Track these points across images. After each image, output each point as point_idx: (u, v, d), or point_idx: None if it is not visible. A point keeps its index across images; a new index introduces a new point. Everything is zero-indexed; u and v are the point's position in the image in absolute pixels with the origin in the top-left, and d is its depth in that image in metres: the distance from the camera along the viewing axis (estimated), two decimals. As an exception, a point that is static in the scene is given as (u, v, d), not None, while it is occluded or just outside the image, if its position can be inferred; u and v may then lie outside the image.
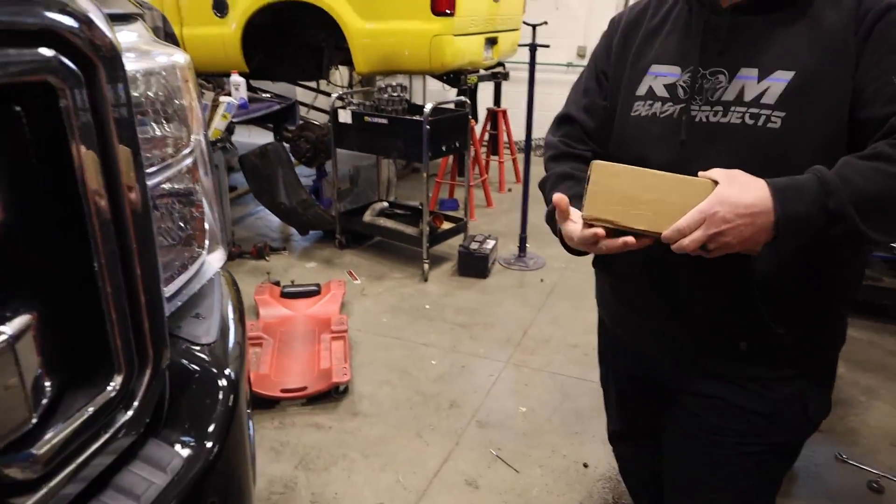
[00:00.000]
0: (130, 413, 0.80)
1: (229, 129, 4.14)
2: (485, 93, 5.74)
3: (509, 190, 5.83)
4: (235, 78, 4.56)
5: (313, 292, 3.62)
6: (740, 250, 0.99)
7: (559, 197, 1.09)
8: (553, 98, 6.98)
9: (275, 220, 4.82)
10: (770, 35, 1.10)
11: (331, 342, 3.15)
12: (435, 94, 6.27)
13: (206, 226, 1.30)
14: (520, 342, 3.32)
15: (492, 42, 4.89)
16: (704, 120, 1.13)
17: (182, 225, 1.27)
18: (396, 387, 2.94)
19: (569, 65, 6.94)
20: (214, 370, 1.03)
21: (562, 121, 1.40)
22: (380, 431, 2.63)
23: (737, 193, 0.97)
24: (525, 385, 2.96)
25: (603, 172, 1.03)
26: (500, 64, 5.38)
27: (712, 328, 1.20)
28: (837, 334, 1.27)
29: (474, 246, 4.00)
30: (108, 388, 0.77)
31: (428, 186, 3.99)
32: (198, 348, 1.06)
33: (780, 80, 1.06)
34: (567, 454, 2.53)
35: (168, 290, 1.12)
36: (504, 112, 5.62)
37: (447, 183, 5.38)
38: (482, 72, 5.06)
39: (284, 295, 3.60)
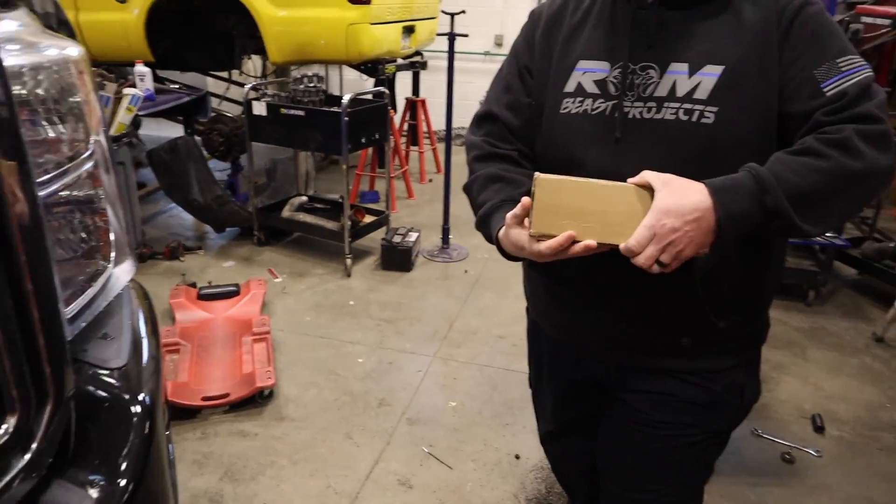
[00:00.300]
0: (28, 456, 0.71)
1: (135, 123, 3.91)
2: (403, 82, 5.68)
3: (430, 180, 5.78)
4: (140, 68, 4.32)
5: (232, 293, 3.48)
6: (691, 254, 0.99)
7: (526, 200, 1.05)
8: (472, 87, 7.01)
9: (188, 217, 4.61)
10: (696, 29, 1.11)
11: (253, 345, 3.03)
12: (352, 84, 6.16)
13: (112, 235, 1.20)
14: (446, 335, 3.30)
15: (409, 30, 4.83)
16: (638, 116, 1.12)
17: (84, 236, 1.17)
18: (323, 388, 2.86)
19: (486, 53, 6.95)
20: (126, 396, 0.94)
21: (483, 119, 1.34)
22: (308, 435, 2.55)
23: (677, 200, 0.96)
24: (454, 379, 2.95)
25: (547, 187, 1.00)
26: (418, 53, 5.33)
27: (655, 325, 1.20)
28: (766, 322, 1.31)
29: (397, 239, 3.94)
30: (0, 431, 0.68)
31: (348, 179, 3.89)
32: (107, 373, 0.97)
33: (710, 75, 1.07)
34: (499, 447, 2.53)
35: (69, 311, 1.02)
36: (423, 102, 5.57)
37: (367, 175, 5.29)
38: (400, 61, 4.99)
39: (201, 297, 3.45)
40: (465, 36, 3.89)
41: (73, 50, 1.06)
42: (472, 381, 2.94)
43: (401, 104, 5.69)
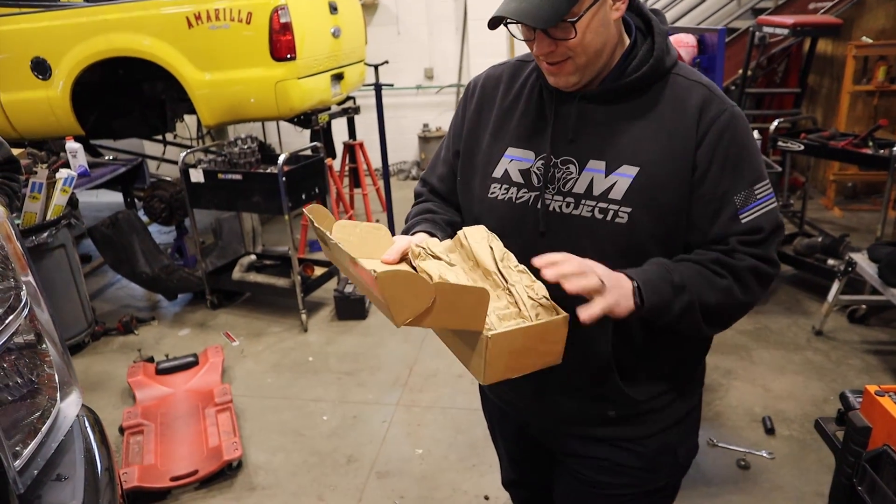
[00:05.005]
0: None
1: (72, 202, 3.89)
2: (340, 125, 5.73)
3: (377, 220, 5.84)
4: (71, 145, 4.30)
5: (191, 364, 3.48)
6: (604, 305, 1.02)
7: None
8: (406, 121, 7.14)
9: (138, 287, 4.56)
10: (616, 126, 1.16)
11: (216, 416, 3.04)
12: (290, 131, 6.18)
13: (56, 373, 1.24)
14: (407, 381, 3.36)
15: (338, 77, 4.88)
16: (558, 210, 1.18)
17: (32, 379, 1.20)
18: (291, 451, 2.89)
19: (418, 87, 7.08)
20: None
21: (424, 183, 1.48)
22: (280, 502, 2.58)
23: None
24: (418, 425, 3.00)
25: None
26: (350, 98, 5.39)
27: (583, 399, 1.28)
28: (697, 380, 1.38)
29: (349, 289, 3.98)
30: None
31: (293, 233, 3.93)
32: (63, 518, 1.00)
33: (625, 176, 1.13)
34: (468, 489, 2.59)
35: (20, 462, 1.06)
36: (361, 144, 5.63)
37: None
38: (334, 108, 5.04)
39: (160, 371, 3.44)
40: (391, 86, 3.98)
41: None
42: (436, 425, 2.99)
43: (339, 148, 5.74)
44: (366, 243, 1.16)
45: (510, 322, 1.04)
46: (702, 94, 1.15)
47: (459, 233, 1.20)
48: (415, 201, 1.47)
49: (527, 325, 1.03)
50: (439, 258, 1.14)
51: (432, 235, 1.26)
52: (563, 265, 1.01)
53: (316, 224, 1.15)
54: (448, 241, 1.23)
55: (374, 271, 0.91)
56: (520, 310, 1.06)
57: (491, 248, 1.15)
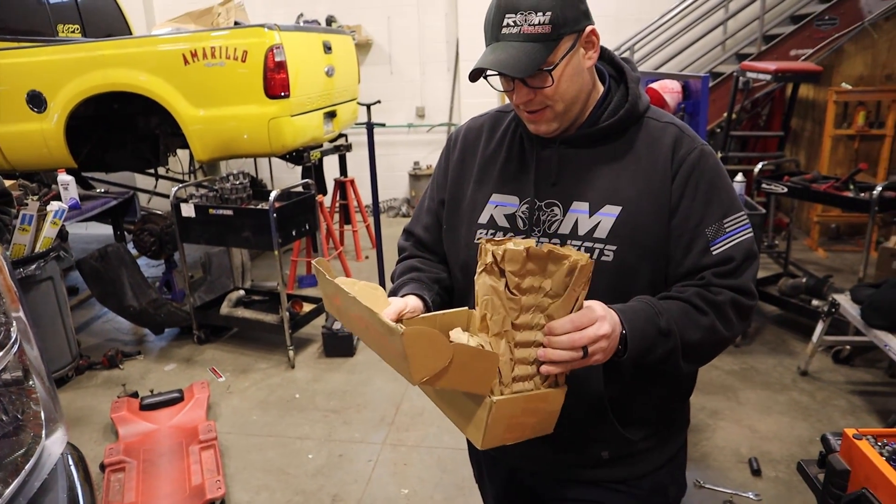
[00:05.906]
0: None
1: (61, 235, 3.89)
2: (331, 162, 5.79)
3: (366, 257, 5.86)
4: (63, 177, 4.31)
5: (176, 399, 3.44)
6: (602, 359, 1.05)
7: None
8: (398, 158, 7.22)
9: (125, 321, 4.54)
10: (596, 168, 1.21)
11: (200, 453, 3.01)
12: (282, 168, 6.23)
13: (42, 409, 1.24)
14: (393, 420, 3.34)
15: (331, 115, 4.95)
16: None
17: (17, 416, 1.20)
18: (275, 490, 2.85)
19: (409, 125, 7.17)
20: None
21: (409, 235, 1.49)
22: (262, 544, 2.54)
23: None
24: (404, 465, 2.98)
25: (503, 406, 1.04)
26: (342, 135, 5.45)
27: (576, 442, 1.28)
28: (684, 419, 1.40)
29: (337, 326, 3.98)
30: None
31: (283, 267, 3.93)
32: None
33: (609, 215, 1.17)
34: (454, 531, 2.57)
35: (3, 499, 1.05)
36: (352, 181, 5.68)
37: (303, 260, 5.34)
38: (325, 145, 5.10)
39: (144, 407, 3.40)
40: (383, 125, 4.04)
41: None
42: (422, 465, 2.97)
43: (330, 185, 5.79)
44: (363, 301, 1.17)
45: (516, 385, 1.05)
46: (674, 133, 1.21)
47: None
48: (399, 257, 1.48)
49: (530, 394, 1.04)
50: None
51: (420, 296, 1.27)
52: (554, 343, 1.00)
53: (328, 277, 1.13)
54: None
55: (401, 327, 0.92)
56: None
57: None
